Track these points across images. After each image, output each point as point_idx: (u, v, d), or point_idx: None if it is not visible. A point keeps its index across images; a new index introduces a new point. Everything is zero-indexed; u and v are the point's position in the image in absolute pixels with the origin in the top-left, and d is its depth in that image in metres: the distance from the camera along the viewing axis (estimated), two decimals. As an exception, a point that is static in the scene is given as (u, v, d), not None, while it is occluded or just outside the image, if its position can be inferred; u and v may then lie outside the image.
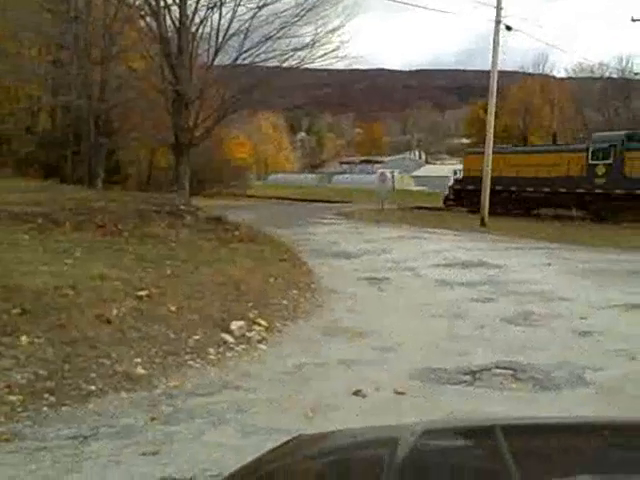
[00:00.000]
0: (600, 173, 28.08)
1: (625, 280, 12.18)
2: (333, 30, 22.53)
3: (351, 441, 1.75)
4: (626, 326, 8.59)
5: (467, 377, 6.51)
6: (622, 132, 29.74)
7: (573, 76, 55.53)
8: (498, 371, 6.64)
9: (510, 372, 6.60)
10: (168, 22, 21.66)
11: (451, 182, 36.32)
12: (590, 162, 28.38)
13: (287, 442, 1.81)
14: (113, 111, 30.10)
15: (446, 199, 35.75)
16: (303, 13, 22.20)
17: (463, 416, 5.26)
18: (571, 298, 10.40)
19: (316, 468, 1.61)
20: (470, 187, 31.72)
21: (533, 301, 10.21)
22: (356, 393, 5.99)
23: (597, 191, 27.97)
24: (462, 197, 33.71)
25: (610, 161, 27.77)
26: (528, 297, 10.52)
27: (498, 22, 25.32)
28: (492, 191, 26.34)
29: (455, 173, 37.14)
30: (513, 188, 30.76)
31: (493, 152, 26.54)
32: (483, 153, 26.81)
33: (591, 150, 28.59)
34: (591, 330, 8.31)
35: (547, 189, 29.66)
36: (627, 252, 16.89)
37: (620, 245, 18.38)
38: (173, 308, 7.87)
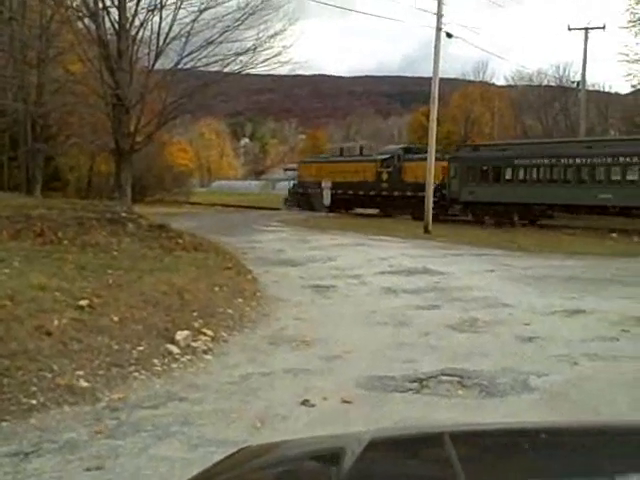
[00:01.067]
0: (384, 178, 35.86)
1: (565, 286, 12.46)
2: (275, 35, 22.57)
3: (299, 451, 1.73)
4: (568, 331, 8.76)
5: (414, 385, 6.53)
6: (400, 146, 39.61)
7: (512, 84, 56.67)
8: (444, 378, 6.69)
9: (456, 379, 6.65)
10: (107, 24, 21.30)
11: (291, 186, 44.28)
12: (378, 170, 36.24)
13: (235, 453, 1.79)
14: (51, 116, 29.52)
15: (286, 200, 43.61)
16: (245, 17, 22.15)
17: (411, 424, 5.28)
18: (514, 304, 10.58)
19: (264, 479, 1.59)
20: (301, 190, 41.33)
21: (477, 308, 10.34)
22: (304, 403, 5.95)
23: (383, 193, 35.75)
24: (297, 199, 41.83)
25: (391, 169, 35.64)
26: (472, 304, 10.66)
27: (439, 29, 25.71)
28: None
29: (294, 179, 45.12)
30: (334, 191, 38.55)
31: (315, 162, 38.03)
32: (313, 163, 39.63)
33: (379, 160, 36.60)
34: (534, 336, 8.45)
35: (353, 192, 37.33)
36: (567, 258, 17.30)
37: (560, 251, 18.81)
38: (116, 318, 7.71)
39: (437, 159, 27.70)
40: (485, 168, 30.69)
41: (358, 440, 1.57)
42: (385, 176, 35.75)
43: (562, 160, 27.82)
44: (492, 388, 6.41)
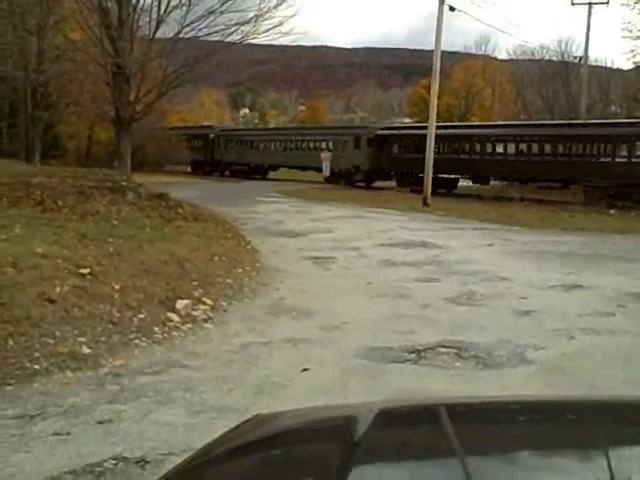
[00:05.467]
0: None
1: (563, 261, 12.51)
2: (277, 5, 22.38)
3: (309, 420, 1.77)
4: (565, 306, 8.83)
5: (412, 356, 6.61)
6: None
7: (514, 58, 56.26)
8: (442, 350, 6.76)
9: (454, 351, 6.73)
10: (108, -8, 21.12)
11: None
12: None
13: (245, 422, 1.82)
14: (51, 83, 29.34)
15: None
16: (247, -14, 21.97)
17: (410, 394, 5.37)
18: (512, 278, 10.64)
19: (276, 447, 1.63)
20: None
21: (475, 281, 10.40)
22: (303, 371, 6.03)
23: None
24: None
25: None
26: (470, 277, 10.71)
27: (442, 2, 25.48)
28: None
29: None
30: None
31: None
32: None
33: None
34: (531, 310, 8.52)
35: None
36: (566, 234, 17.34)
37: (558, 226, 18.85)
38: (117, 287, 7.76)
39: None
40: None
41: (367, 410, 1.62)
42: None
43: None
44: (489, 360, 6.48)
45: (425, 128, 27.48)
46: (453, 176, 33.88)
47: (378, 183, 36.34)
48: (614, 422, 1.64)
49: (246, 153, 43.69)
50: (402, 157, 34.45)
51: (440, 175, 29.73)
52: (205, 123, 56.87)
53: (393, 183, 35.47)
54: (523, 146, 30.46)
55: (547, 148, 29.48)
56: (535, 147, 29.95)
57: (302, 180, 38.93)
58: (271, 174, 43.53)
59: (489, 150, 31.64)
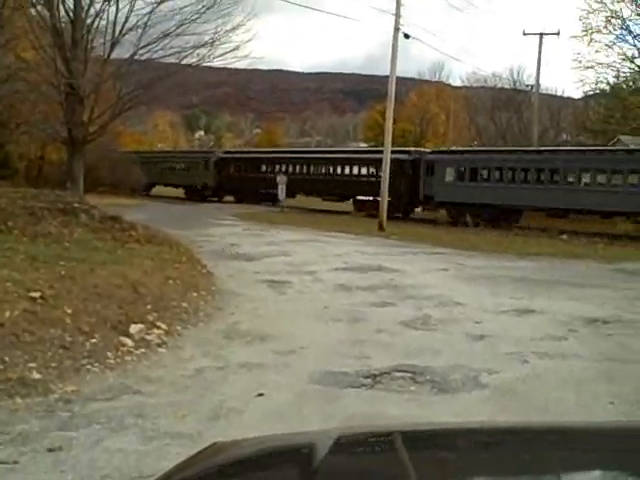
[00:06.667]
0: None
1: (516, 286, 12.68)
2: (233, 29, 22.52)
3: (268, 448, 1.75)
4: (518, 330, 8.94)
5: (367, 380, 6.60)
6: None
7: (468, 85, 57.35)
8: (397, 374, 6.77)
9: (409, 375, 6.74)
10: (62, 12, 20.96)
11: None
12: None
13: (203, 450, 1.80)
14: (1, 102, 28.82)
15: None
16: (203, 10, 22.06)
17: (364, 420, 5.35)
18: (466, 303, 10.74)
19: (234, 476, 1.61)
20: None
21: (430, 306, 10.47)
22: (258, 396, 5.98)
23: None
24: None
25: None
26: (425, 302, 10.78)
27: (396, 29, 25.88)
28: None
29: None
30: None
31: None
32: None
33: None
34: (485, 334, 8.60)
35: None
36: (519, 259, 17.59)
37: (511, 251, 19.13)
38: (69, 311, 7.61)
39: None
40: None
41: (326, 437, 1.61)
42: None
43: None
44: (444, 384, 6.51)
45: (251, 152, 36.87)
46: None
47: (227, 198, 42.55)
48: (566, 447, 1.66)
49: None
50: (236, 176, 41.46)
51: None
52: (160, 145, 57.65)
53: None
54: None
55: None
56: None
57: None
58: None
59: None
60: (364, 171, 35.07)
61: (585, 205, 26.03)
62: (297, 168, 38.66)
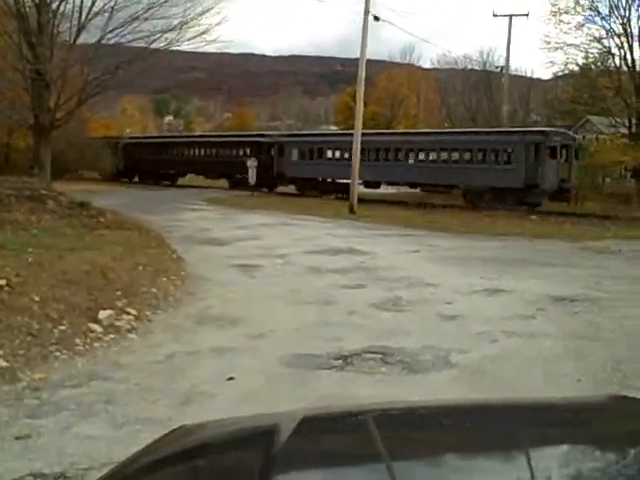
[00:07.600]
0: None
1: (486, 267, 12.75)
2: (202, 12, 22.32)
3: (233, 430, 1.75)
4: (488, 310, 9.02)
5: (338, 362, 6.63)
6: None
7: (438, 67, 57.39)
8: (368, 356, 6.80)
9: (379, 356, 6.77)
10: (26, -3, 20.60)
11: None
12: None
13: (169, 433, 1.80)
14: (-34, 89, 28.32)
15: None
16: (172, -7, 21.78)
17: (335, 400, 5.37)
18: (437, 284, 10.80)
19: (200, 457, 1.61)
20: None
21: (401, 287, 10.51)
22: (229, 380, 5.97)
23: None
24: None
25: None
26: (396, 283, 10.82)
27: (366, 12, 25.79)
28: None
29: None
30: None
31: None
32: None
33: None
34: (456, 314, 8.66)
35: None
36: (489, 239, 17.73)
37: (483, 232, 19.26)
38: (37, 298, 7.53)
39: None
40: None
41: (290, 419, 1.61)
42: None
43: None
44: (414, 365, 6.56)
45: (153, 137, 40.07)
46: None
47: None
48: (534, 423, 1.68)
49: None
50: (142, 159, 44.22)
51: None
52: (129, 131, 57.00)
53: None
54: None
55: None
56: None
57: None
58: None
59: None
60: (235, 153, 39.93)
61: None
62: (192, 151, 44.23)
